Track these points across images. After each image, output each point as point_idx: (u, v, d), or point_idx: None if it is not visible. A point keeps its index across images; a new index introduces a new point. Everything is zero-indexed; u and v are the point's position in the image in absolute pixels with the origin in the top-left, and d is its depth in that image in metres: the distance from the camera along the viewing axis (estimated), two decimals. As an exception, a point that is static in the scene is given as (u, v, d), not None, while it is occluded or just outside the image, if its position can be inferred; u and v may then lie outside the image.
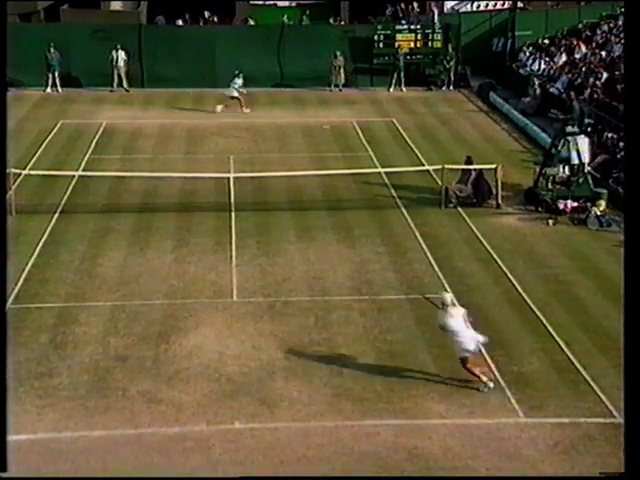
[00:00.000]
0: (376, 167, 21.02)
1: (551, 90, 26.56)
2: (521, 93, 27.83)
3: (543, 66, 29.11)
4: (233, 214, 17.87)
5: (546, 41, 30.90)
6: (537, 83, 27.17)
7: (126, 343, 12.64)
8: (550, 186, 18.69)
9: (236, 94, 26.65)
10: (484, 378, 11.43)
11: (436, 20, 31.59)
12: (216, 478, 9.49)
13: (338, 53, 30.26)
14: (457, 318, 11.51)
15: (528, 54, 30.38)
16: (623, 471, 7.88)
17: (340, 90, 30.43)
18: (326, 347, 12.64)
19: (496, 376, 11.85)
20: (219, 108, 26.73)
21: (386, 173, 20.14)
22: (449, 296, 11.92)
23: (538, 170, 19.11)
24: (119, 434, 10.50)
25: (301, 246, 16.40)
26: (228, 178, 19.55)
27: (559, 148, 18.88)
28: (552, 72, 28.17)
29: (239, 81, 26.75)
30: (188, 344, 12.62)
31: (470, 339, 11.42)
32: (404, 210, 18.36)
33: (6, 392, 7.75)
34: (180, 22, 33.33)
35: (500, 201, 18.62)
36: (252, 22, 33.53)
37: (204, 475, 9.75)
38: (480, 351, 11.80)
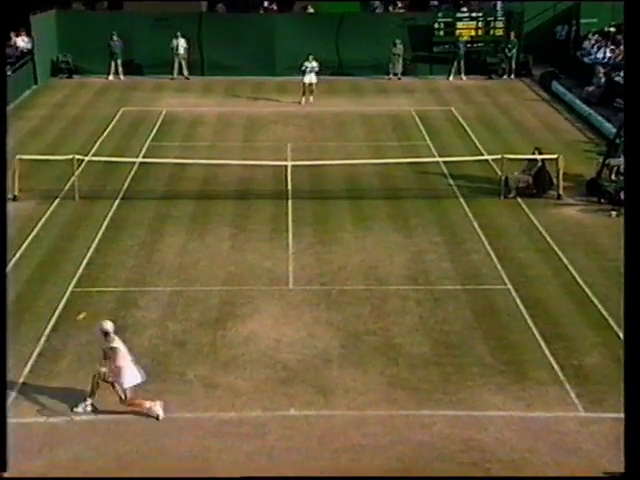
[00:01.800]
0: (434, 156, 20.85)
1: (616, 79, 25.92)
2: (585, 82, 27.23)
3: (609, 54, 28.45)
4: (290, 202, 17.93)
5: (612, 29, 30.14)
6: (602, 72, 26.56)
7: (184, 328, 12.81)
8: (614, 177, 18.28)
9: (314, 80, 26.28)
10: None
11: (498, 7, 31.14)
12: (216, 478, 9.51)
13: (397, 41, 30.06)
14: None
15: (593, 42, 29.71)
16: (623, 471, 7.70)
17: (399, 79, 30.24)
18: (382, 336, 12.61)
19: (555, 369, 11.67)
20: (311, 99, 26.62)
21: (444, 162, 19.95)
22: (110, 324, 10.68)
23: (601, 160, 18.71)
24: (177, 417, 10.65)
25: (357, 235, 16.38)
26: (286, 166, 19.62)
27: (624, 138, 18.43)
28: (618, 60, 27.50)
29: (314, 64, 26.27)
30: (245, 330, 12.72)
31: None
32: (462, 200, 18.18)
33: (6, 392, 7.89)
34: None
35: (561, 192, 18.29)
36: (311, 10, 33.49)
37: (260, 461, 9.83)
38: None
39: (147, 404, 10.59)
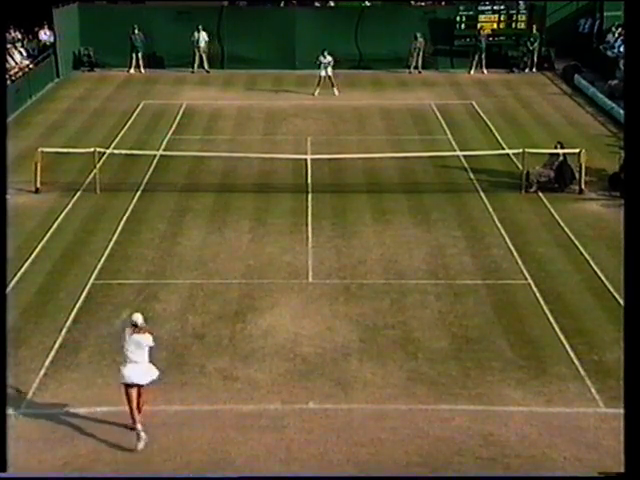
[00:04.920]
0: (455, 150, 20.75)
1: (640, 72, 25.64)
2: (608, 75, 26.97)
3: (632, 47, 28.11)
4: (310, 196, 17.92)
5: (636, 22, 29.80)
6: (625, 65, 26.32)
7: (204, 321, 12.86)
8: (636, 172, 18.09)
9: (329, 73, 26.53)
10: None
11: (520, 1, 30.86)
12: (215, 478, 9.52)
13: (418, 35, 29.92)
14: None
15: (617, 35, 29.39)
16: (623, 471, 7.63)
17: (419, 72, 30.12)
18: (401, 330, 12.59)
19: (575, 364, 11.61)
20: (336, 92, 26.68)
21: (465, 156, 19.86)
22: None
23: (624, 154, 18.53)
24: (196, 409, 10.70)
25: (377, 229, 16.35)
26: (305, 160, 19.62)
27: (624, 137, 18.26)
28: (641, 54, 27.19)
29: (329, 58, 26.55)
30: (264, 324, 12.74)
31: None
32: (482, 194, 18.08)
33: (6, 393, 7.93)
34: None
35: (583, 186, 18.15)
36: (332, 3, 33.40)
37: (279, 454, 9.85)
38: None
39: (136, 419, 9.89)
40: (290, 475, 9.45)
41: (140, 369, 9.90)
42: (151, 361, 10.03)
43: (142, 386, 9.96)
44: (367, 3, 32.34)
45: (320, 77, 26.70)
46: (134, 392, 9.95)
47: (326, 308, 13.24)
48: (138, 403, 10.01)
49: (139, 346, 9.87)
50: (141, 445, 9.86)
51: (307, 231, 16.19)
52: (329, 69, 26.72)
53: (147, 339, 9.92)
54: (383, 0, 32.45)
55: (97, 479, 9.55)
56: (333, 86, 26.76)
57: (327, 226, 16.44)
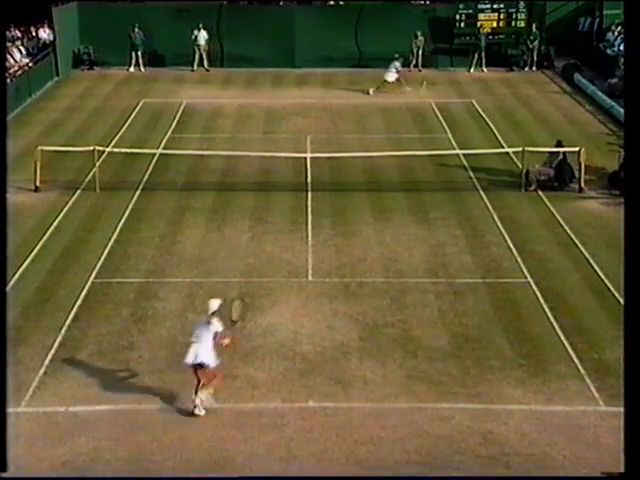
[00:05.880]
0: (454, 149, 20.75)
1: (640, 71, 25.63)
2: (607, 74, 26.96)
3: (631, 46, 28.10)
4: (310, 194, 17.92)
5: (636, 20, 29.78)
6: (625, 64, 26.32)
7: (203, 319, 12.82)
8: (636, 170, 18.09)
9: (391, 79, 26.78)
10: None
11: (520, -1, 30.87)
12: (215, 478, 9.52)
13: (419, 33, 29.93)
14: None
15: (616, 34, 29.38)
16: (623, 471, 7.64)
17: (419, 70, 30.11)
18: (401, 329, 12.60)
19: (575, 363, 11.61)
20: (371, 91, 26.77)
21: (464, 155, 19.86)
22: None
23: (624, 153, 18.52)
24: (196, 408, 10.69)
25: (377, 227, 16.35)
26: (305, 158, 19.61)
27: (624, 135, 18.26)
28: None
29: (397, 64, 26.94)
30: (264, 322, 12.75)
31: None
32: (482, 193, 18.09)
33: (6, 393, 7.93)
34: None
35: (583, 185, 18.15)
36: (332, 2, 33.37)
37: (279, 452, 9.85)
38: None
39: (196, 392, 10.46)
40: (290, 475, 9.46)
41: (194, 350, 10.33)
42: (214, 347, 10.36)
43: (197, 366, 10.32)
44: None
45: (386, 81, 26.82)
46: (194, 371, 10.39)
47: (326, 307, 13.24)
48: (198, 381, 10.37)
49: (204, 329, 10.37)
50: (196, 411, 10.37)
51: (307, 230, 16.19)
52: (391, 74, 26.87)
53: (214, 324, 10.36)
54: None
55: (97, 479, 9.55)
56: (402, 86, 26.85)
57: (327, 224, 16.45)
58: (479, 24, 30.40)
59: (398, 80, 26.93)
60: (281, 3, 33.60)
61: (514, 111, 25.02)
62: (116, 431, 10.18)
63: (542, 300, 13.40)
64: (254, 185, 18.72)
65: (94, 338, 12.29)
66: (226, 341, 10.49)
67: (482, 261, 14.84)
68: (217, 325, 10.37)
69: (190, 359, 10.33)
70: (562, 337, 12.29)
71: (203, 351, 10.28)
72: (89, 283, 13.96)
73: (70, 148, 19.59)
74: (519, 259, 14.85)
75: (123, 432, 10.15)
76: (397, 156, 19.84)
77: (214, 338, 10.32)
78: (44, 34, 29.68)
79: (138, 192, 18.14)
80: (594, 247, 15.31)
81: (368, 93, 26.72)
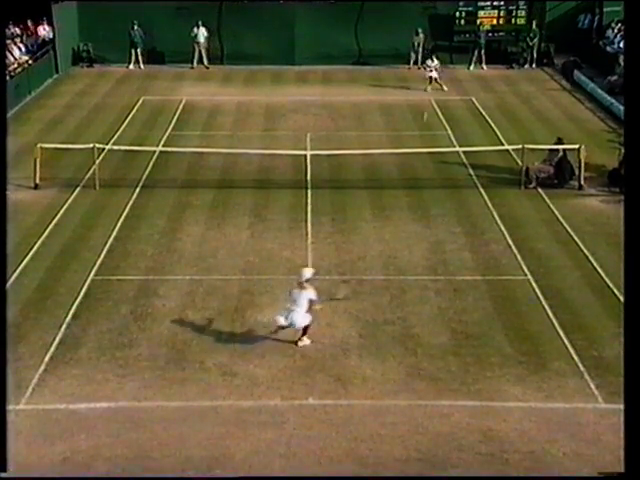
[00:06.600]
0: (454, 146, 20.74)
1: None
2: (607, 71, 26.94)
3: (631, 43, 28.07)
4: (309, 191, 17.91)
5: (635, 17, 29.74)
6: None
7: (203, 317, 12.85)
8: (636, 167, 18.09)
9: (435, 74, 26.94)
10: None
11: (520, -3, 30.84)
12: (215, 478, 9.52)
13: (419, 30, 29.91)
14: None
15: (616, 31, 29.35)
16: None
17: (419, 68, 30.08)
18: (400, 326, 12.60)
19: (575, 360, 11.62)
20: (445, 88, 26.96)
21: (464, 152, 19.85)
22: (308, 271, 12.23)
23: (623, 150, 18.52)
24: (196, 405, 10.71)
25: (377, 225, 16.35)
26: (305, 155, 19.60)
27: (624, 134, 18.24)
28: (641, 49, 27.14)
29: (435, 61, 27.14)
30: (263, 319, 12.74)
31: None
32: (482, 190, 18.08)
33: (6, 393, 7.93)
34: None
35: (583, 182, 18.15)
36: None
37: (279, 449, 9.86)
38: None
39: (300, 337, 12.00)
40: (290, 475, 9.46)
41: (288, 314, 11.76)
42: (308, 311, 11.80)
43: (287, 326, 11.81)
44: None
45: (430, 78, 26.96)
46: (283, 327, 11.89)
47: (325, 304, 13.22)
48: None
49: (300, 295, 11.74)
50: (300, 343, 11.95)
51: (306, 227, 16.19)
52: (433, 72, 27.02)
53: (309, 292, 11.78)
54: None
55: (97, 479, 9.55)
56: (441, 85, 26.94)
57: (326, 222, 16.44)
58: (479, 21, 30.38)
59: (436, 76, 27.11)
60: (281, 0, 33.58)
61: (514, 108, 25.01)
62: (116, 428, 10.19)
63: (542, 297, 13.40)
64: (254, 182, 18.71)
65: (94, 335, 12.30)
66: (318, 307, 12.01)
67: (482, 258, 14.84)
68: (312, 293, 11.80)
69: (282, 321, 11.79)
70: (562, 334, 12.29)
71: (297, 314, 11.74)
72: (89, 280, 13.96)
73: (70, 145, 19.58)
74: (519, 256, 14.85)
75: (123, 429, 10.16)
76: (397, 153, 19.82)
77: (309, 303, 11.78)
78: (44, 31, 29.64)
79: (138, 189, 18.13)
80: (594, 244, 15.31)
81: (425, 90, 26.96)
